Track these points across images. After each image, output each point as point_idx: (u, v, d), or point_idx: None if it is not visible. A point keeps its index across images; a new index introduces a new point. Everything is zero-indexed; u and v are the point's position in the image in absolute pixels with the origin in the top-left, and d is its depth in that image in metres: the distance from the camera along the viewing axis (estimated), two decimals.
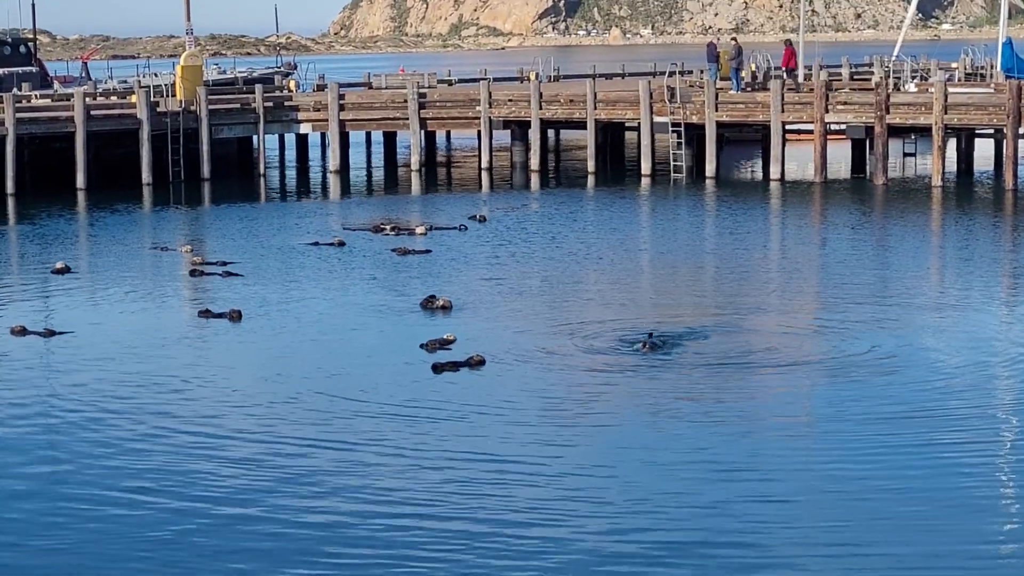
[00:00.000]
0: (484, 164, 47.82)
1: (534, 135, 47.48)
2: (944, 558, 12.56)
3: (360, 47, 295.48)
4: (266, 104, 47.04)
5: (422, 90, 49.60)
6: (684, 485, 14.58)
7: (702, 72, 52.01)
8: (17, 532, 13.58)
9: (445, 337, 21.12)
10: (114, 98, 49.62)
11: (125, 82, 56.95)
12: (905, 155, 46.80)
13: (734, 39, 50.77)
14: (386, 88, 54.73)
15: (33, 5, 62.38)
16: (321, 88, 53.43)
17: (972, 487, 14.39)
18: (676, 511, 13.81)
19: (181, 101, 45.13)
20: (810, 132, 42.64)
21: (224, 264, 28.89)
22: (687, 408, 17.52)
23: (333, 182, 47.09)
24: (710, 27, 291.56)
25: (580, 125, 47.05)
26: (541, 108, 46.91)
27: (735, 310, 23.67)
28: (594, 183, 44.57)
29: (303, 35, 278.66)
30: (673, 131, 44.40)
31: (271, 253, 30.79)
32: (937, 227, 34.60)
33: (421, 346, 20.78)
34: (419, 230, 33.49)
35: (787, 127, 42.95)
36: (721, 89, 44.91)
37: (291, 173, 51.32)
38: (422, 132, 49.03)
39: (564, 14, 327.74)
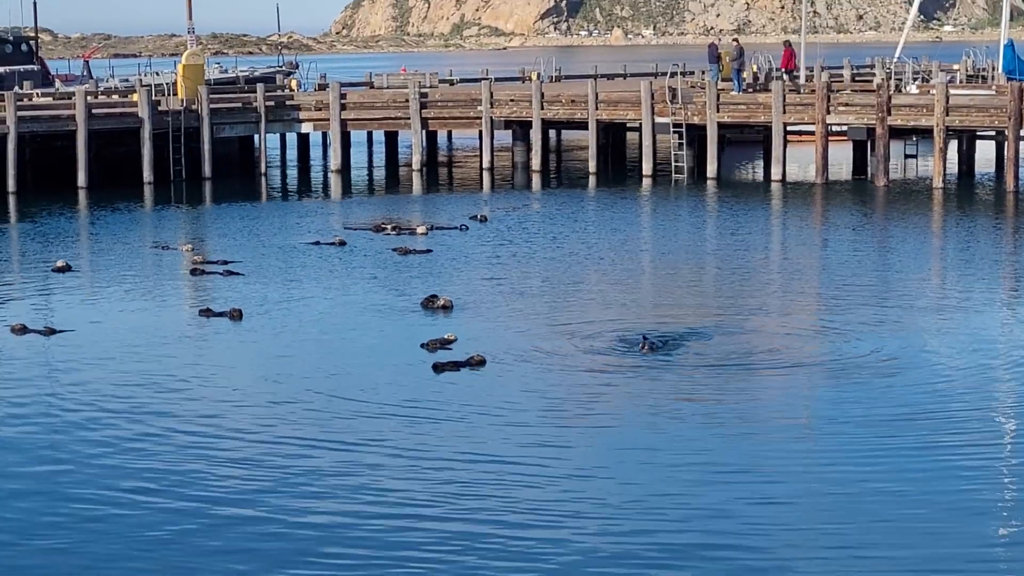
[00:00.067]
0: (485, 164, 47.82)
1: (535, 135, 47.48)
2: (946, 561, 12.54)
3: (362, 47, 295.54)
4: (267, 103, 47.07)
5: (424, 90, 49.63)
6: (684, 487, 14.56)
7: (703, 73, 52.04)
8: (17, 532, 13.56)
9: (446, 337, 21.12)
10: (115, 97, 49.64)
11: (127, 81, 57.01)
12: (906, 157, 46.79)
13: (736, 40, 50.76)
14: (388, 88, 54.75)
15: (35, 4, 62.42)
16: (323, 87, 53.43)
17: (974, 490, 14.36)
18: (676, 512, 13.79)
19: (183, 100, 45.14)
20: (811, 133, 42.65)
21: (225, 263, 28.89)
22: (687, 409, 17.50)
23: (334, 181, 47.09)
24: (712, 28, 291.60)
25: (581, 125, 47.05)
26: (542, 108, 46.92)
27: (736, 311, 23.66)
28: (595, 183, 44.57)
29: (305, 34, 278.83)
30: (674, 132, 44.40)
31: (272, 252, 30.79)
32: (938, 229, 34.59)
33: (422, 346, 20.78)
34: (420, 230, 33.49)
35: (788, 128, 42.95)
36: (722, 90, 44.92)
37: (292, 172, 51.32)
38: (423, 132, 49.07)
39: (566, 14, 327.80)
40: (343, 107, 47.48)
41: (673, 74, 49.18)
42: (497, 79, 59.57)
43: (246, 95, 48.12)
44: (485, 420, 17.08)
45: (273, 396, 18.44)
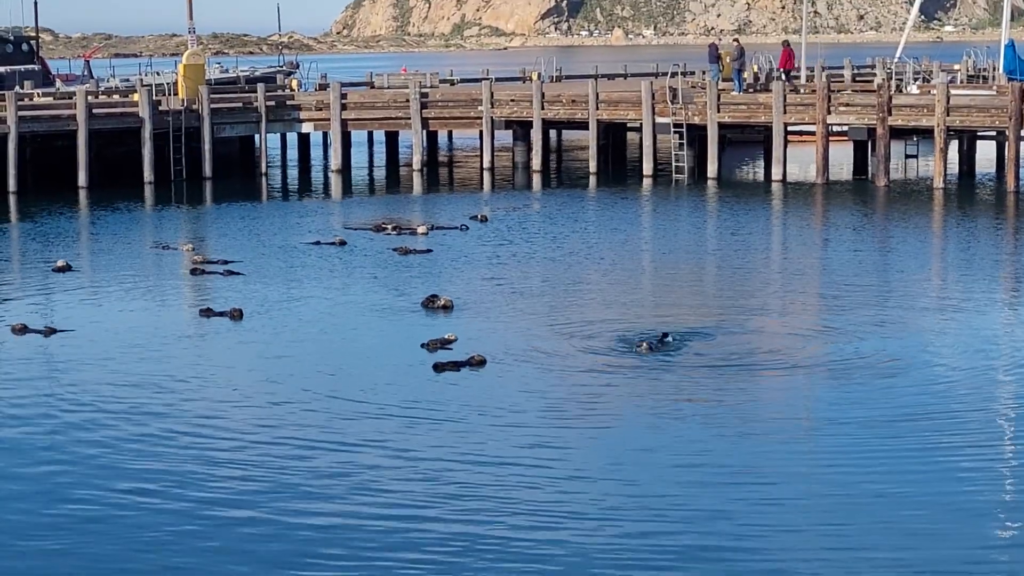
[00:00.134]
0: (486, 164, 47.82)
1: (536, 135, 47.49)
2: (948, 563, 12.53)
3: (362, 46, 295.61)
4: (268, 103, 47.07)
5: (424, 90, 49.62)
6: (684, 488, 14.56)
7: (704, 73, 52.04)
8: (16, 533, 13.54)
9: (446, 337, 21.12)
10: (116, 96, 49.66)
11: (127, 80, 56.99)
12: (907, 157, 46.79)
13: (736, 40, 50.78)
14: (388, 88, 54.78)
15: (36, 3, 62.38)
16: (323, 87, 53.41)
17: (975, 491, 14.35)
18: (676, 513, 13.78)
19: (183, 100, 45.14)
20: (812, 133, 42.65)
21: (225, 263, 28.89)
22: (688, 410, 17.50)
23: (335, 181, 47.09)
24: (712, 28, 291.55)
25: (582, 125, 47.05)
26: (543, 108, 46.92)
27: (736, 311, 23.65)
28: (596, 184, 44.57)
29: (305, 34, 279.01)
30: (675, 132, 44.41)
31: (272, 252, 30.79)
32: (939, 229, 34.59)
33: (422, 346, 20.78)
34: (420, 230, 33.49)
35: (789, 128, 42.95)
36: (723, 90, 44.93)
37: (293, 172, 51.31)
38: (424, 132, 49.08)
39: (566, 14, 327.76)
40: (344, 107, 47.48)
41: (674, 74, 49.18)
42: (498, 79, 59.61)
43: (247, 95, 48.13)
44: (485, 420, 17.07)
45: (273, 396, 18.43)
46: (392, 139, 53.39)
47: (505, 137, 50.02)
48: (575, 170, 49.63)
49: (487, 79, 54.48)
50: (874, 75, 57.38)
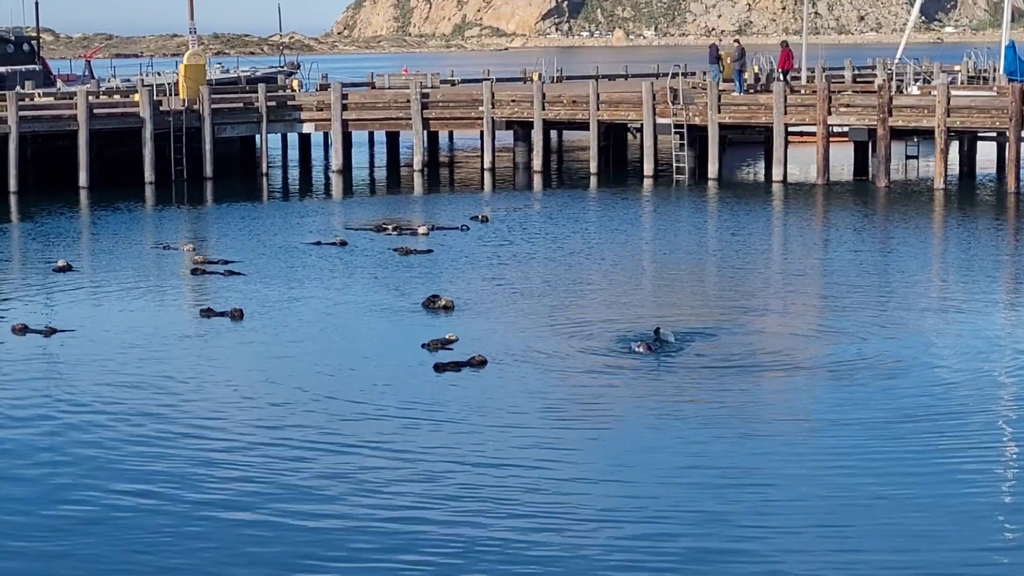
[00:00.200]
0: (487, 164, 47.83)
1: (537, 136, 47.49)
2: (949, 566, 12.51)
3: (363, 47, 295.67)
4: (269, 103, 47.08)
5: (425, 90, 49.64)
6: (684, 490, 14.54)
7: (705, 74, 52.05)
8: (15, 534, 13.53)
9: (447, 337, 21.12)
10: (117, 97, 49.67)
11: (128, 81, 57.03)
12: (907, 158, 46.79)
13: (737, 41, 50.78)
14: (389, 88, 54.81)
15: (36, 3, 62.43)
16: (324, 88, 53.45)
17: (977, 492, 14.33)
18: (676, 515, 13.76)
19: (184, 100, 45.16)
20: (813, 134, 42.65)
21: (226, 263, 28.90)
22: (688, 411, 17.49)
23: (335, 182, 47.11)
24: (713, 29, 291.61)
25: (583, 126, 47.07)
26: (544, 109, 46.93)
27: (737, 312, 23.65)
28: (596, 184, 44.58)
29: (306, 35, 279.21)
30: (676, 132, 44.42)
31: (273, 252, 30.79)
32: (939, 230, 34.58)
33: (423, 346, 20.78)
34: (421, 230, 33.49)
35: (790, 129, 42.96)
36: (724, 91, 44.94)
37: (293, 173, 51.32)
38: (425, 132, 49.09)
39: (567, 15, 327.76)
40: (344, 107, 47.49)
41: (674, 75, 49.17)
42: (498, 80, 59.63)
43: (247, 95, 48.14)
44: (486, 421, 17.07)
45: (273, 396, 18.43)
46: (393, 139, 53.41)
47: (506, 138, 50.03)
48: (576, 171, 49.64)
49: (488, 80, 54.51)
50: (875, 76, 57.40)
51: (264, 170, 47.97)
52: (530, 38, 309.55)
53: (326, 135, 51.67)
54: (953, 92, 41.83)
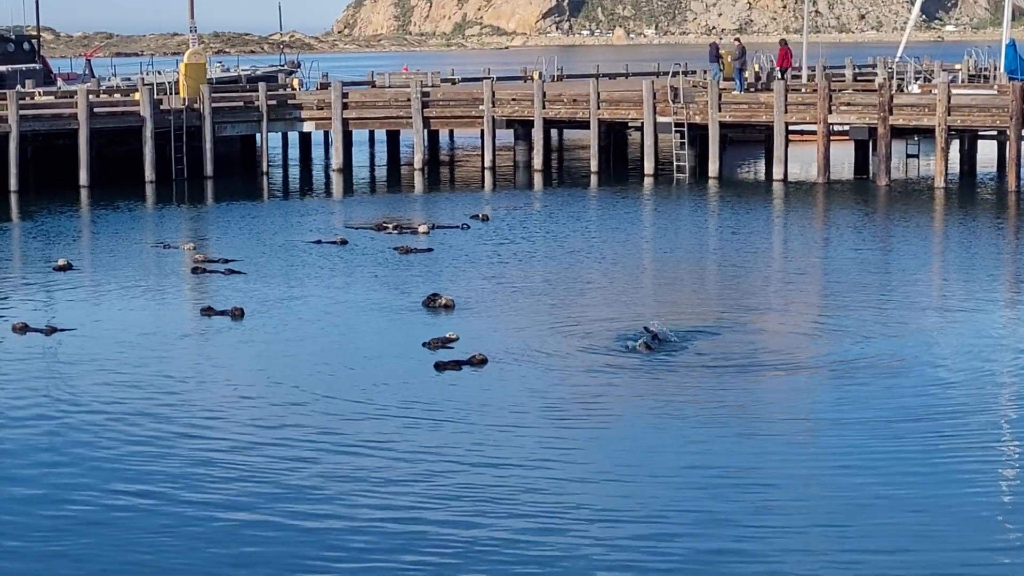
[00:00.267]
0: (487, 163, 47.82)
1: (537, 134, 47.48)
2: (950, 566, 12.50)
3: (364, 46, 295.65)
4: (269, 102, 47.07)
5: (425, 89, 49.64)
6: (685, 490, 14.53)
7: (705, 72, 52.05)
8: (15, 534, 13.52)
9: (447, 336, 21.11)
10: (117, 96, 49.66)
11: (128, 80, 56.98)
12: (908, 156, 46.77)
13: (737, 39, 50.76)
14: (389, 87, 54.79)
15: (37, 2, 62.36)
16: (324, 86, 53.43)
17: (977, 493, 14.31)
18: (676, 515, 13.75)
19: (184, 99, 45.15)
20: (813, 133, 42.64)
21: (226, 262, 28.89)
22: (688, 410, 17.48)
23: (336, 180, 47.10)
24: (714, 27, 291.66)
25: (583, 125, 47.05)
26: (544, 108, 46.92)
27: (737, 311, 23.63)
28: (597, 183, 44.57)
29: (307, 33, 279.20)
30: (676, 131, 44.41)
31: (273, 251, 30.79)
32: (940, 229, 34.57)
33: (423, 345, 20.77)
34: (421, 229, 33.48)
35: (790, 128, 42.95)
36: (724, 89, 44.94)
37: (294, 171, 51.32)
38: (425, 131, 49.07)
39: (568, 14, 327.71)
40: (345, 106, 47.48)
41: (675, 73, 49.17)
42: (499, 78, 59.62)
43: (248, 94, 48.15)
44: (486, 420, 17.06)
45: (274, 396, 18.42)
46: (393, 138, 53.40)
47: (506, 136, 50.02)
48: (576, 169, 49.63)
49: (488, 78, 54.50)
50: (875, 74, 57.40)
51: (264, 169, 47.96)
52: (530, 37, 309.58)
53: (326, 134, 51.66)
54: (954, 91, 41.81)
